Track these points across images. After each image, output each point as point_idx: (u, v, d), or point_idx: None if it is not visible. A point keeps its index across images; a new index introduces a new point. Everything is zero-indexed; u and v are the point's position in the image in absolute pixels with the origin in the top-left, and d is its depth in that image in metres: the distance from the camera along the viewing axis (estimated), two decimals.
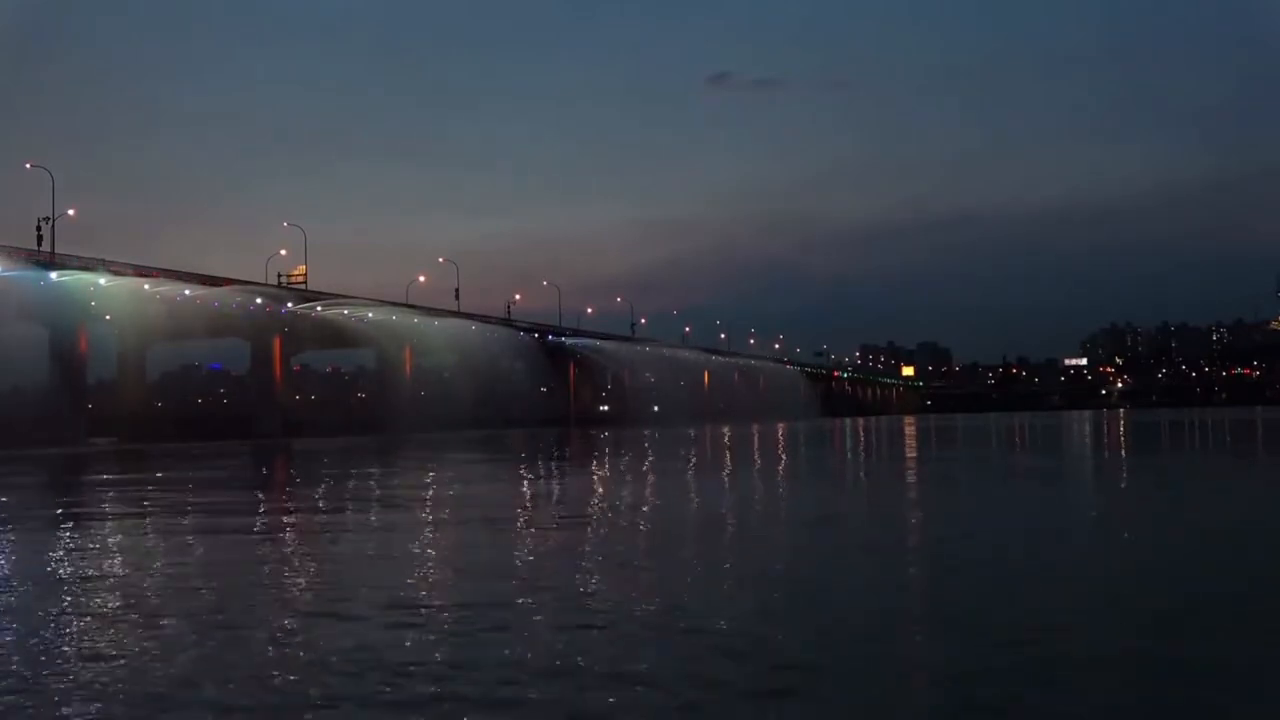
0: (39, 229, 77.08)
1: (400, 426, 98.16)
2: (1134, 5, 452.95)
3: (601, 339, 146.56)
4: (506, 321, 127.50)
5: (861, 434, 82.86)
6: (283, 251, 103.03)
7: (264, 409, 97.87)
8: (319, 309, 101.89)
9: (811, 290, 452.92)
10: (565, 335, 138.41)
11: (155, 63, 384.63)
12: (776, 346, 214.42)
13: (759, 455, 49.28)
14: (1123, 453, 48.69)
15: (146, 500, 28.68)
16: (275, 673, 8.60)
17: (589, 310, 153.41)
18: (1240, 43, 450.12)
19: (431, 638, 9.83)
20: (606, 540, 17.28)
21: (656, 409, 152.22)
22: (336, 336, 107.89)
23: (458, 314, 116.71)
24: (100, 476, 41.60)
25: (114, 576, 14.03)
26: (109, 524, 22.19)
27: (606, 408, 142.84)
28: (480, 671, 8.50)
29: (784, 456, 48.92)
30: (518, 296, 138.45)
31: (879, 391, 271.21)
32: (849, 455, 50.07)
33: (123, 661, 9.05)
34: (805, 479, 34.47)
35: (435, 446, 63.57)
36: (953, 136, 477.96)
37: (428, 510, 23.86)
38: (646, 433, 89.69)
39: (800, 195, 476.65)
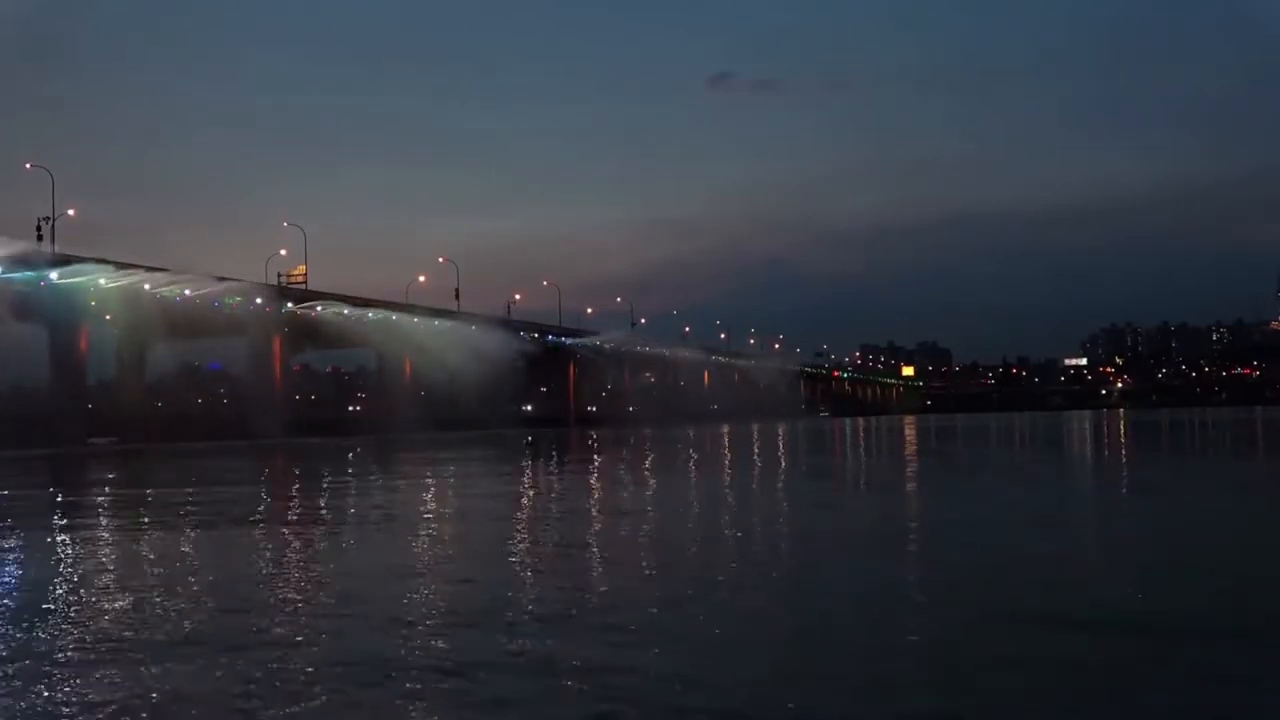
0: (39, 229, 77.14)
1: (400, 427, 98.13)
2: (1134, 5, 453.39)
3: (601, 339, 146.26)
4: (506, 321, 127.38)
5: (863, 435, 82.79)
6: (283, 251, 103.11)
7: (263, 409, 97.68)
8: (319, 309, 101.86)
9: (811, 290, 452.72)
10: (565, 335, 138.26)
11: (156, 63, 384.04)
12: (776, 346, 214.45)
13: (776, 461, 49.20)
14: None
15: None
16: None
17: (589, 310, 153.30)
18: (1241, 42, 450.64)
19: None
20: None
21: (655, 409, 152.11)
22: (336, 336, 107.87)
23: (458, 314, 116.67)
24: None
25: None
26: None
27: (606, 408, 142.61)
28: None
29: (790, 464, 48.84)
30: (518, 296, 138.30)
31: (879, 391, 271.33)
32: (856, 459, 50.03)
33: None
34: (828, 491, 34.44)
35: (456, 447, 63.59)
36: (952, 137, 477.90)
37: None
38: (649, 433, 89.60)
39: (800, 195, 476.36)
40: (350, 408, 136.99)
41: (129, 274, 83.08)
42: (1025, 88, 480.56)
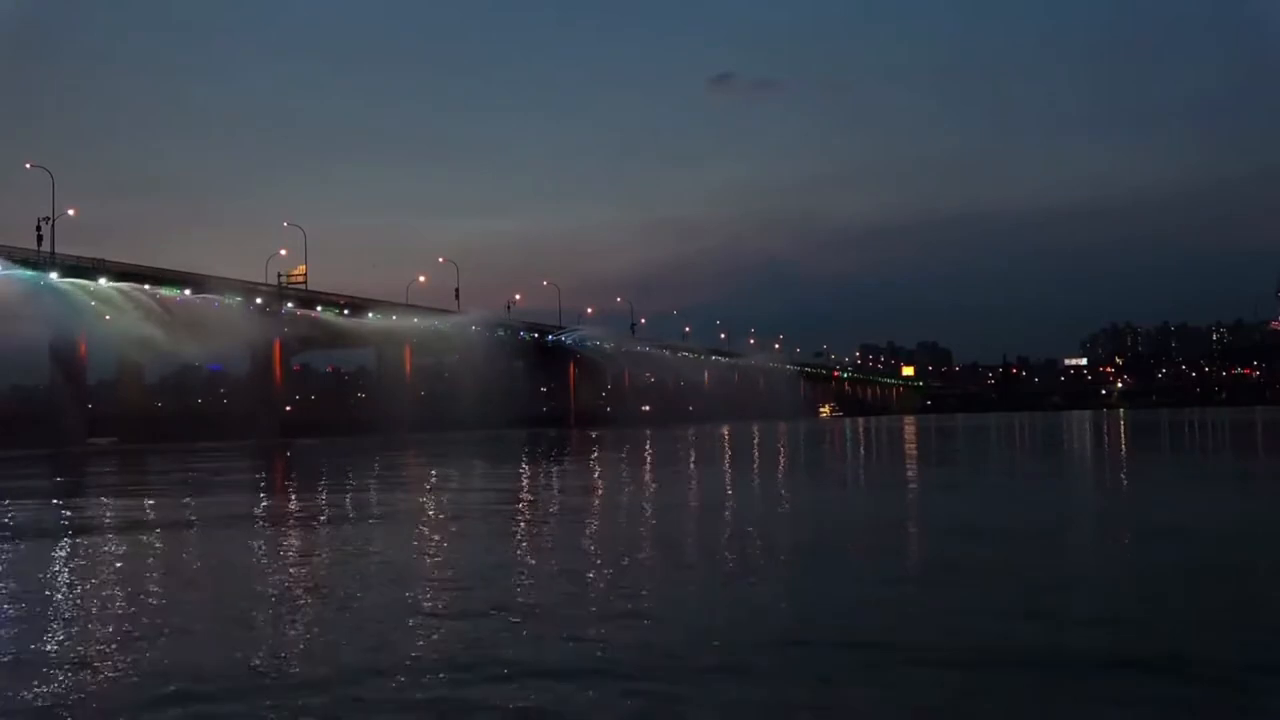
0: (39, 229, 77.06)
1: (400, 427, 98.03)
2: (1135, 5, 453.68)
3: (601, 339, 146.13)
4: (506, 321, 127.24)
5: (862, 435, 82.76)
6: (283, 251, 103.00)
7: (263, 409, 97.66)
8: (319, 309, 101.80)
9: (811, 290, 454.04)
10: (565, 335, 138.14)
11: (158, 64, 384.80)
12: (776, 347, 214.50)
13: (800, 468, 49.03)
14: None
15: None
16: None
17: (589, 310, 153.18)
18: (1241, 42, 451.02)
19: None
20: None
21: (655, 409, 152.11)
22: (336, 336, 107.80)
23: (457, 314, 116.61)
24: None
25: None
26: None
27: (606, 408, 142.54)
28: None
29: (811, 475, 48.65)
30: (518, 296, 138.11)
31: (879, 391, 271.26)
32: (856, 458, 49.99)
33: None
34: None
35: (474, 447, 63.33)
36: (952, 136, 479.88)
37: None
38: (650, 433, 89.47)
39: (800, 195, 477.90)
40: (350, 408, 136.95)
41: (129, 274, 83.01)
42: (1026, 89, 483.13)
